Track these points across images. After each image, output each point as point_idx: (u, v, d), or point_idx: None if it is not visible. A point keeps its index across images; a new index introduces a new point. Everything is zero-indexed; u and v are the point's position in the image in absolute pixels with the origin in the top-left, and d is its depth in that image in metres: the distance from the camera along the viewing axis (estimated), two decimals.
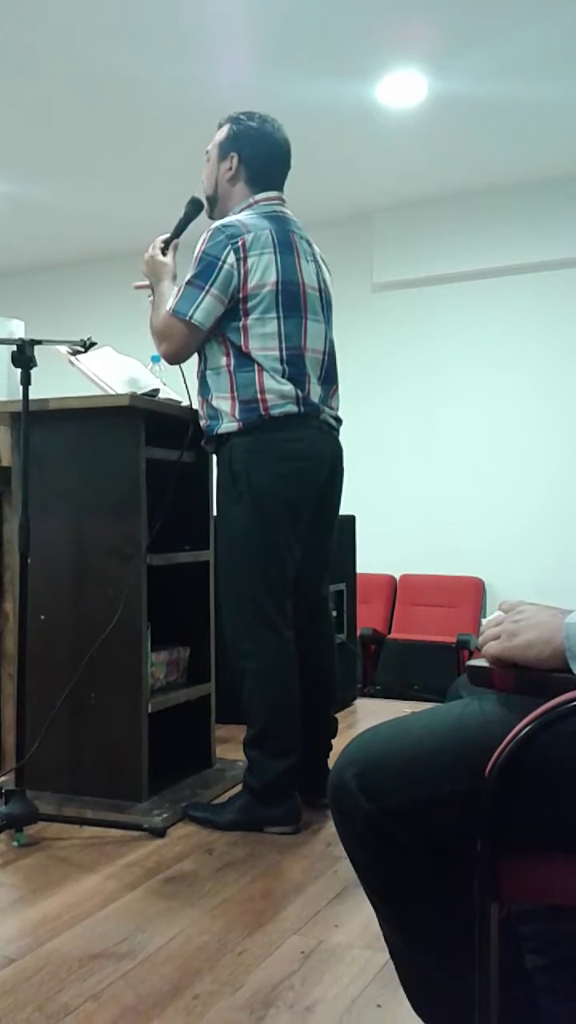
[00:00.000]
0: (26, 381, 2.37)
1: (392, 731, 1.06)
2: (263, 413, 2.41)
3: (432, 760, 1.01)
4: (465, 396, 5.78)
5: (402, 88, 4.36)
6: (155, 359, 2.95)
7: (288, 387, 2.43)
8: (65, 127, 4.75)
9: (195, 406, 2.61)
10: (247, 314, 2.42)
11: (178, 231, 2.64)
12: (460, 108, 4.55)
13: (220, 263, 2.40)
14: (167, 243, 2.64)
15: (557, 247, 5.46)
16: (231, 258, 2.40)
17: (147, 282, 2.67)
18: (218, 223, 2.48)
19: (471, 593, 5.68)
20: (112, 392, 2.61)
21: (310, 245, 2.59)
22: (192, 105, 4.47)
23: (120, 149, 5.04)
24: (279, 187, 2.60)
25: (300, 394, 2.44)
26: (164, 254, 2.62)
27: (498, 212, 5.59)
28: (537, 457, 5.58)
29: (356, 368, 5.02)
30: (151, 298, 2.63)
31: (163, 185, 5.45)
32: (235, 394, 2.44)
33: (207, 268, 2.40)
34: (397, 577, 5.88)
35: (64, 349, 2.59)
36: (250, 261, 2.41)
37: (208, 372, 2.50)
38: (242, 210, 2.53)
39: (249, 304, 2.42)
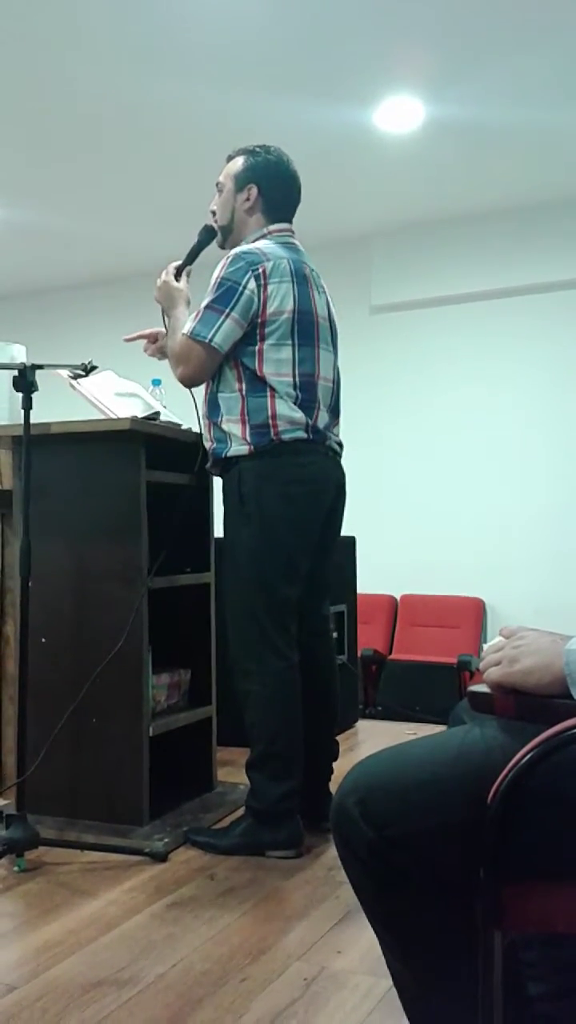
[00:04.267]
0: (27, 405, 2.38)
1: (394, 758, 1.07)
2: (274, 438, 2.43)
3: (434, 787, 1.01)
4: (463, 417, 5.80)
5: (399, 113, 4.41)
6: (155, 382, 2.97)
7: (299, 414, 2.45)
8: (66, 152, 4.80)
9: (201, 429, 2.62)
10: (263, 339, 2.45)
11: (191, 258, 2.66)
12: (456, 133, 4.61)
13: (241, 288, 2.42)
14: (180, 269, 2.66)
15: (553, 269, 5.50)
16: (252, 284, 2.42)
17: (136, 334, 2.77)
18: (238, 250, 2.50)
19: (472, 613, 5.68)
20: (113, 416, 2.62)
21: (319, 277, 2.63)
22: (192, 128, 4.52)
23: (121, 173, 5.08)
24: (290, 219, 2.64)
25: (309, 421, 2.47)
26: (177, 280, 2.64)
27: (494, 235, 5.64)
28: (537, 477, 5.59)
29: (355, 390, 5.03)
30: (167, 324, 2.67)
31: (164, 208, 5.51)
32: (246, 418, 2.46)
33: (227, 293, 2.42)
34: (398, 598, 5.88)
35: (65, 373, 2.60)
36: (270, 288, 2.44)
37: (219, 395, 2.51)
38: (258, 239, 2.57)
39: (267, 330, 2.44)
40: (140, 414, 2.63)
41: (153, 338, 2.80)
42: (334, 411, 2.62)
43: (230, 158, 2.65)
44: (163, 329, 2.71)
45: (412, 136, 4.63)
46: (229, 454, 2.48)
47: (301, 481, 2.46)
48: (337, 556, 2.82)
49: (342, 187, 5.23)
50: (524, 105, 4.32)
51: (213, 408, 2.53)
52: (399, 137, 4.64)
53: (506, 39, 3.77)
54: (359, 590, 4.26)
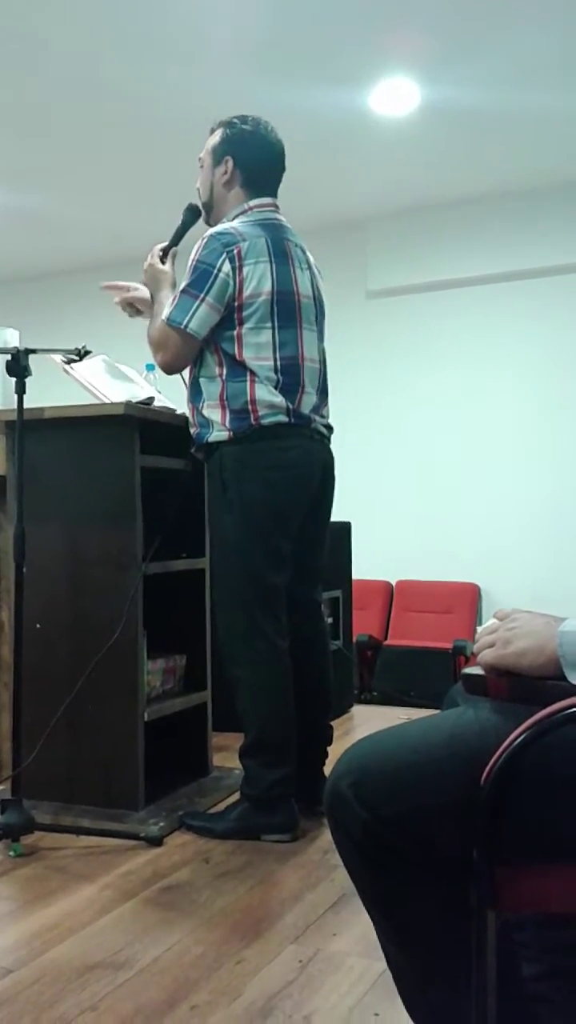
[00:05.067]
0: (21, 390, 2.37)
1: (388, 740, 1.07)
2: (253, 423, 2.41)
3: (428, 769, 1.01)
4: (459, 402, 5.79)
5: (395, 96, 4.38)
6: (149, 367, 2.96)
7: (279, 399, 2.42)
8: (61, 136, 4.76)
9: (186, 413, 2.61)
10: (242, 323, 2.42)
11: (176, 239, 2.63)
12: (452, 116, 4.58)
13: (215, 271, 2.39)
14: (166, 251, 2.63)
15: (548, 254, 5.48)
16: (226, 266, 2.39)
17: (116, 283, 2.73)
18: (213, 231, 2.47)
19: (467, 599, 5.69)
20: (107, 401, 2.61)
21: (304, 253, 2.58)
22: (188, 113, 4.47)
23: (115, 157, 5.05)
24: (273, 192, 2.59)
25: (291, 406, 2.44)
26: (163, 262, 2.62)
27: (490, 219, 5.61)
28: (533, 463, 5.59)
29: (351, 375, 5.02)
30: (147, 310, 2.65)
31: (158, 193, 5.47)
32: (225, 403, 2.43)
33: (202, 276, 2.39)
34: (393, 583, 5.89)
35: (59, 358, 2.59)
36: (245, 270, 2.40)
37: (201, 380, 2.50)
38: (236, 216, 2.53)
39: (244, 313, 2.41)
40: (134, 399, 2.61)
41: (125, 289, 2.77)
42: (322, 392, 2.58)
43: (212, 131, 2.61)
44: (136, 285, 2.71)
45: (408, 119, 4.60)
46: (210, 439, 2.47)
47: (282, 466, 2.44)
48: (331, 542, 2.81)
49: (338, 171, 5.20)
50: (521, 88, 4.29)
51: (195, 393, 2.51)
52: (395, 120, 4.61)
53: (503, 22, 3.74)
54: (354, 576, 4.27)
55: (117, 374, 2.80)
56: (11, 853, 2.28)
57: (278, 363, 2.43)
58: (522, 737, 0.92)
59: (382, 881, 1.05)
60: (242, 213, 2.53)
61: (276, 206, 2.58)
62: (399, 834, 1.00)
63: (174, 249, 2.64)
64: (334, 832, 1.06)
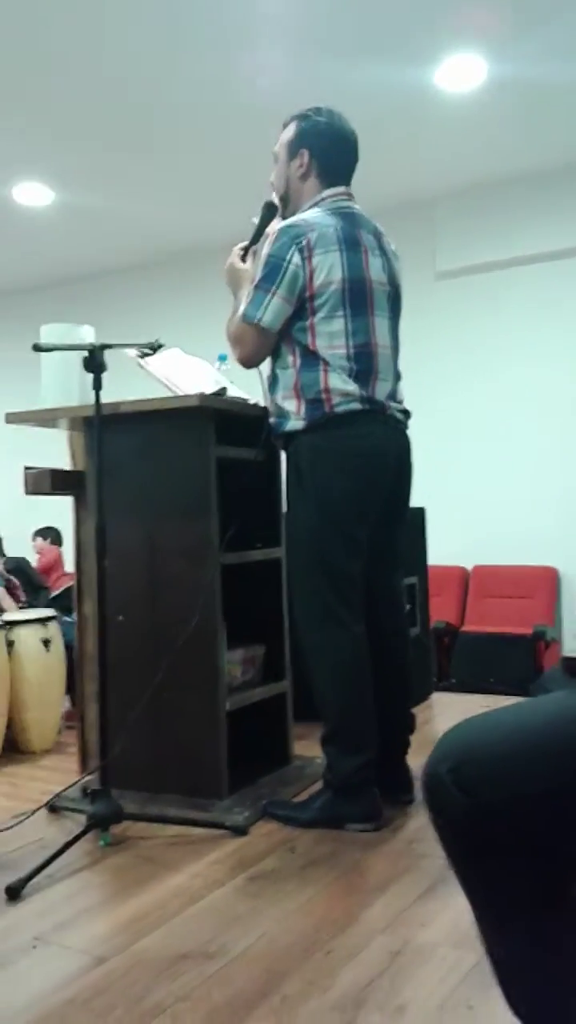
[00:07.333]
0: (97, 386, 2.40)
1: (486, 725, 1.04)
2: (327, 411, 2.41)
3: (530, 755, 0.98)
4: (534, 382, 5.67)
5: (461, 72, 4.30)
6: (222, 358, 2.96)
7: (352, 386, 2.42)
8: (119, 134, 4.80)
9: (266, 404, 2.62)
10: (314, 313, 2.42)
11: (256, 237, 2.62)
12: (519, 90, 4.47)
13: (286, 264, 2.40)
14: (246, 250, 2.64)
15: None
16: (296, 258, 2.40)
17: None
18: (283, 224, 2.48)
19: (545, 583, 5.59)
20: (181, 393, 2.62)
21: (378, 239, 2.57)
22: (252, 98, 4.46)
23: (177, 152, 5.07)
24: (347, 181, 2.58)
25: (364, 393, 2.43)
26: (244, 261, 2.62)
27: (560, 193, 5.47)
28: None
29: (421, 358, 4.94)
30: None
31: (218, 185, 5.48)
32: (300, 393, 2.44)
33: (273, 270, 2.41)
34: (469, 568, 5.81)
35: (133, 352, 2.61)
36: (315, 260, 2.40)
37: (277, 371, 2.52)
38: (311, 207, 2.53)
39: (316, 303, 2.42)
40: (208, 390, 2.62)
41: None
42: (396, 378, 2.57)
43: (285, 125, 2.61)
44: None
45: (474, 95, 4.51)
46: (287, 429, 2.49)
47: (357, 454, 2.43)
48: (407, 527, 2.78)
49: (404, 150, 5.12)
50: None
51: (273, 384, 2.54)
52: (461, 96, 4.53)
53: None
54: (429, 561, 4.22)
55: (190, 366, 2.81)
56: (101, 843, 2.31)
57: (351, 351, 2.43)
58: None
59: (482, 868, 1.02)
60: (316, 204, 2.53)
61: (350, 194, 2.58)
62: (499, 821, 0.97)
63: (254, 247, 2.63)
64: (433, 819, 1.04)
